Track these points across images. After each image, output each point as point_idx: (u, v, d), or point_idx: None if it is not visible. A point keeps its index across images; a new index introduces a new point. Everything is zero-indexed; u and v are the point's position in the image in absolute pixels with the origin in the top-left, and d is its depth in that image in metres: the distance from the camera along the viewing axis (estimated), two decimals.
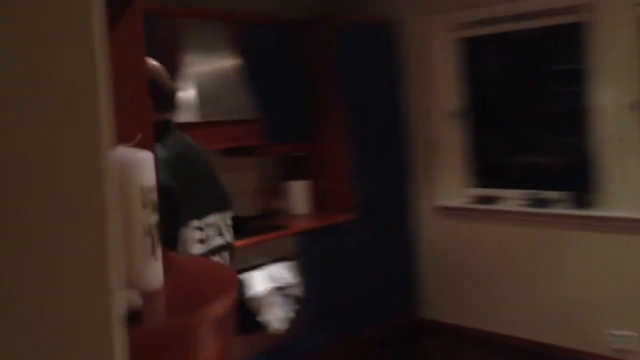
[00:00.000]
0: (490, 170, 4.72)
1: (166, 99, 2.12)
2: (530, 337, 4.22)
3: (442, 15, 4.51)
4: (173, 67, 3.72)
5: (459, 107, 4.60)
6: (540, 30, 4.24)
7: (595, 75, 3.86)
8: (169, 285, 1.20)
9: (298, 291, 3.83)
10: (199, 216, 2.07)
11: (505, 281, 4.33)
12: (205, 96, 3.71)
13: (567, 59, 4.39)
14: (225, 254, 2.19)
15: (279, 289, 3.72)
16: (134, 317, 0.93)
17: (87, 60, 0.76)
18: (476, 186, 4.60)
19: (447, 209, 4.61)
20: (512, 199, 4.37)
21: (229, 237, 2.21)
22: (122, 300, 0.82)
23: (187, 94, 3.68)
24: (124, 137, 1.18)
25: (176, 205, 1.99)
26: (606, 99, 3.81)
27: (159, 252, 1.20)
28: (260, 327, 3.62)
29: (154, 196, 1.21)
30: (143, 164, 1.19)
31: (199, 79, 3.72)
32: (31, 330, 0.73)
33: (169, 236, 1.92)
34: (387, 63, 4.69)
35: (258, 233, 3.89)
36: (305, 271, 3.99)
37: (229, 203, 2.27)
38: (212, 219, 2.13)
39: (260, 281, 3.65)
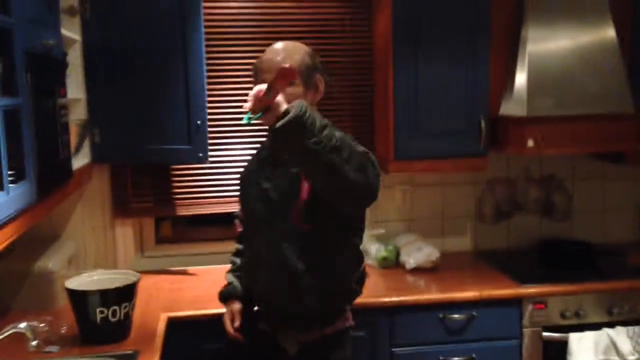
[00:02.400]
0: None
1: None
2: None
3: None
4: (511, 44, 2.83)
5: None
6: None
7: None
8: None
9: None
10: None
11: None
12: (541, 82, 2.71)
13: None
14: None
15: None
16: None
17: None
18: None
19: None
20: None
21: None
22: None
23: (517, 79, 2.75)
24: None
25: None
26: None
27: None
28: None
29: None
30: None
31: (535, 59, 2.73)
32: None
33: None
34: None
35: (612, 275, 2.75)
36: None
37: None
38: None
39: (590, 348, 2.56)
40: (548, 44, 2.76)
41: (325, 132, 1.56)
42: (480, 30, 2.77)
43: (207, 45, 2.78)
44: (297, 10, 3.00)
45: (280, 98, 1.56)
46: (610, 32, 2.80)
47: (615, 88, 2.77)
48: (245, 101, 1.63)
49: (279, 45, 1.96)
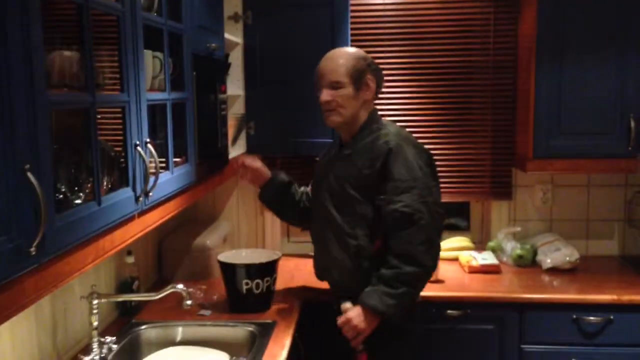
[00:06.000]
0: None
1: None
2: None
3: None
4: None
5: None
6: None
7: None
8: None
9: None
10: None
11: None
12: None
13: None
14: None
15: None
16: None
17: None
18: None
19: None
20: None
21: None
22: None
23: None
24: None
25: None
26: None
27: None
28: None
29: None
30: None
31: None
32: None
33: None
34: None
35: None
36: None
37: None
38: None
39: None
40: None
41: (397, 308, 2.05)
42: (633, 30, 2.67)
43: (353, 47, 2.95)
44: (441, 9, 3.08)
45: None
46: None
47: None
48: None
49: (330, 52, 2.25)
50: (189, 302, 1.95)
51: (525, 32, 2.90)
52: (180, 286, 1.96)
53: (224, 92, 2.62)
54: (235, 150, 2.87)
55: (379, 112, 3.10)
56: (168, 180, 1.82)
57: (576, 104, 2.73)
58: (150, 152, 1.62)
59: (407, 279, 2.01)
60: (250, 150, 3.01)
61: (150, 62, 1.76)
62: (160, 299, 2.03)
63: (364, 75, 2.18)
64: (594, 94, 2.71)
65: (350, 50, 2.26)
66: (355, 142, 2.21)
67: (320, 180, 2.30)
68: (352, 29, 2.93)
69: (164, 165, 1.82)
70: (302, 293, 2.60)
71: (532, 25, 2.75)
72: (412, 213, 2.01)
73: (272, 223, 3.25)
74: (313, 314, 2.56)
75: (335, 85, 2.17)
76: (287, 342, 2.10)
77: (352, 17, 2.97)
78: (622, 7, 2.67)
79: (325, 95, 2.17)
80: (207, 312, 2.34)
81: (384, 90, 3.10)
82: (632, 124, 2.68)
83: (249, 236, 3.26)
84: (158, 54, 1.83)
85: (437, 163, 3.05)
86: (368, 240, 2.13)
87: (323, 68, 2.20)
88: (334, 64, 2.18)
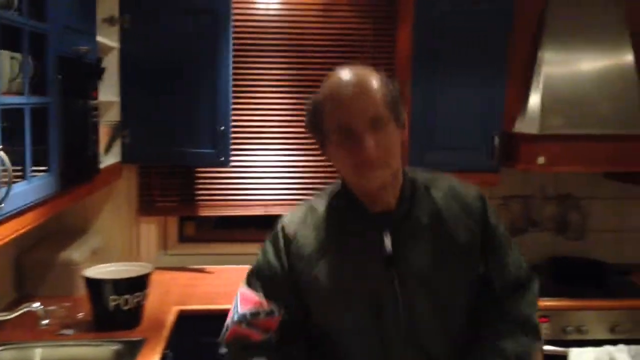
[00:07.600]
0: None
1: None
2: None
3: None
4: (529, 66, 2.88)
5: None
6: None
7: None
8: None
9: None
10: None
11: None
12: (554, 102, 2.76)
13: None
14: None
15: None
16: None
17: None
18: None
19: None
20: None
21: None
22: None
23: (531, 99, 2.80)
24: None
25: None
26: None
27: None
28: None
29: None
30: None
31: (550, 80, 2.79)
32: None
33: None
34: None
35: (617, 293, 2.78)
36: None
37: None
38: None
39: None
40: (563, 67, 2.81)
41: None
42: (499, 52, 2.84)
43: (234, 57, 2.91)
44: (322, 23, 3.12)
45: None
46: (627, 57, 2.82)
47: (628, 110, 2.79)
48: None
49: (348, 75, 1.37)
50: (45, 321, 1.83)
51: (401, 48, 3.00)
52: (36, 304, 1.83)
53: (96, 97, 2.49)
54: (109, 159, 2.74)
55: (257, 126, 3.15)
56: (24, 190, 1.69)
57: (449, 120, 2.86)
58: (2, 160, 1.49)
59: (526, 354, 1.39)
60: (126, 159, 2.88)
61: (7, 63, 1.64)
62: (15, 318, 1.88)
63: (400, 105, 1.39)
64: (464, 111, 2.86)
65: (366, 67, 1.40)
66: (413, 207, 1.42)
67: (369, 279, 1.37)
68: (234, 38, 2.89)
69: (20, 174, 1.69)
70: (176, 307, 2.52)
71: (408, 42, 2.86)
72: (528, 276, 1.46)
73: (148, 235, 3.13)
74: (188, 328, 2.49)
75: (378, 124, 1.31)
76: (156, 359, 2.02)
77: (235, 26, 2.93)
78: (491, 29, 2.83)
79: (370, 142, 1.29)
80: (69, 332, 2.19)
81: (264, 101, 3.14)
82: (496, 140, 2.85)
83: (122, 249, 3.11)
84: (17, 54, 1.70)
85: (315, 178, 3.14)
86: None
87: (351, 100, 1.32)
88: (367, 90, 1.33)
